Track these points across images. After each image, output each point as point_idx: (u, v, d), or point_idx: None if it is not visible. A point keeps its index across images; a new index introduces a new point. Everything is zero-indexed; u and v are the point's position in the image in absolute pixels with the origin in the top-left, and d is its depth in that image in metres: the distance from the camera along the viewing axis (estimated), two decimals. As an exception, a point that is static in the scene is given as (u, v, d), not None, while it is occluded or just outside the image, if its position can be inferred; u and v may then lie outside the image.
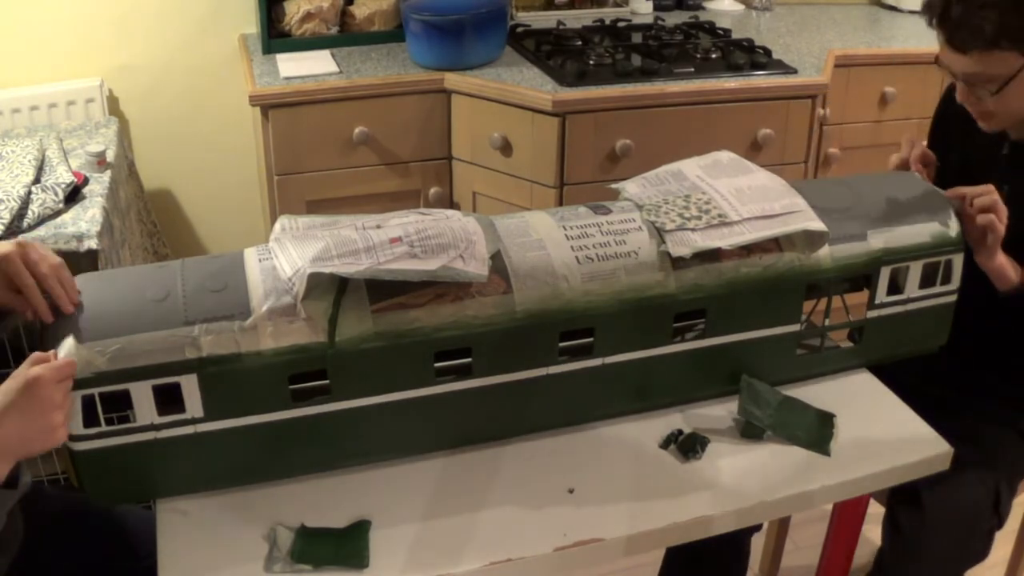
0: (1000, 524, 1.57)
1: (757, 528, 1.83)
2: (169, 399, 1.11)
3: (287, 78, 2.25)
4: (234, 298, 1.13)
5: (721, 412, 1.34)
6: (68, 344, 1.07)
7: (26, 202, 1.86)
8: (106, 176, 2.05)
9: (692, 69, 2.31)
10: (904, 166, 1.55)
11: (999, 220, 1.36)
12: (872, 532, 1.97)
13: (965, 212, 1.39)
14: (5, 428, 0.98)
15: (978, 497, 1.52)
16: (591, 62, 2.32)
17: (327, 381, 1.15)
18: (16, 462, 1.00)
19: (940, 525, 1.49)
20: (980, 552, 1.54)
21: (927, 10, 1.44)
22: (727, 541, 1.44)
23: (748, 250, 1.29)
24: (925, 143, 1.59)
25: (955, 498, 1.49)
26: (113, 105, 2.52)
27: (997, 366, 1.64)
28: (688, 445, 1.27)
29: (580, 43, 2.49)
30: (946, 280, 1.41)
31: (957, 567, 1.53)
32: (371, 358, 1.15)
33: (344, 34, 2.52)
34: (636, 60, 2.39)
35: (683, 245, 1.25)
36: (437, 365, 1.19)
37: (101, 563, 1.32)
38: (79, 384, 1.06)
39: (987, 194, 1.36)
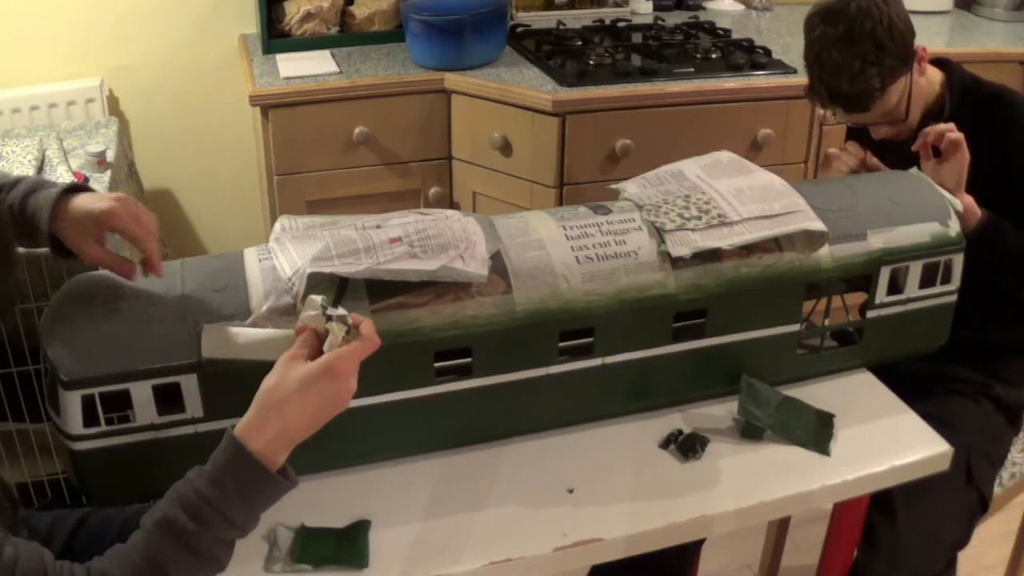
0: (984, 502, 1.54)
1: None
2: (169, 399, 1.10)
3: (287, 78, 2.25)
4: (234, 298, 1.13)
5: (721, 412, 1.34)
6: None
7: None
8: (106, 176, 2.05)
9: (692, 69, 2.31)
10: (858, 169, 1.63)
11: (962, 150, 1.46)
12: (872, 532, 1.97)
13: (942, 147, 1.46)
14: (299, 415, 0.96)
15: (945, 474, 1.50)
16: (591, 62, 2.32)
17: (327, 381, 1.15)
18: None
19: (910, 507, 1.48)
20: (958, 540, 1.52)
21: (813, 96, 1.61)
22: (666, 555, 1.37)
23: (748, 250, 1.29)
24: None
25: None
26: (113, 105, 2.52)
27: (971, 336, 1.62)
28: (688, 445, 1.27)
29: (580, 43, 2.49)
30: (946, 280, 1.41)
31: (933, 552, 1.51)
32: (371, 358, 1.14)
33: (344, 34, 2.52)
34: (636, 60, 2.39)
35: (683, 245, 1.25)
36: (437, 365, 1.19)
37: None
38: (84, 382, 1.07)
39: (952, 130, 1.45)
